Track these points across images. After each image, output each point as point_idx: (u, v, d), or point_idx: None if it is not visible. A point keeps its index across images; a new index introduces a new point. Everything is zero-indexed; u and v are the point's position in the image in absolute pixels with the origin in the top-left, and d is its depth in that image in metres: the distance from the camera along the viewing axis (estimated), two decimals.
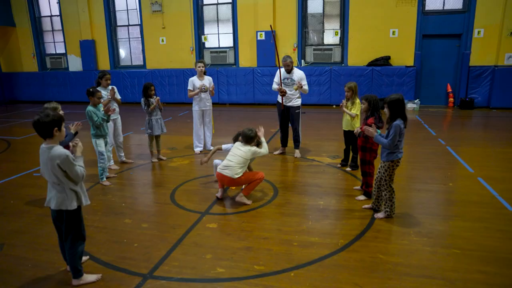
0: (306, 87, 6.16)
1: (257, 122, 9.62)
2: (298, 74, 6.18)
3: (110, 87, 5.97)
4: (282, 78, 6.20)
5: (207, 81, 6.71)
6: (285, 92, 6.15)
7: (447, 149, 6.59)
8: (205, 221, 4.08)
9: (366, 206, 4.24)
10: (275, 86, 6.32)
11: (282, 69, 6.25)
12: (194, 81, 6.70)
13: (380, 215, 3.98)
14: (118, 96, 6.06)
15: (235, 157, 4.51)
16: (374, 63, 11.31)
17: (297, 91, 6.21)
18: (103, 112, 5.19)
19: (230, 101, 13.15)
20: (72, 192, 2.83)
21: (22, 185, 5.41)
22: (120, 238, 3.76)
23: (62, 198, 2.83)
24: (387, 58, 11.24)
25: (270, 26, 6.31)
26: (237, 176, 4.43)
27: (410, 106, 10.87)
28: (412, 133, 8.07)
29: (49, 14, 14.95)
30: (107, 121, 5.27)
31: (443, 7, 11.08)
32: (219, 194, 4.68)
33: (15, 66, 15.58)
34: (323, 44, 12.26)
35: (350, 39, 11.65)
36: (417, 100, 10.98)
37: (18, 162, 6.64)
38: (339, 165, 5.84)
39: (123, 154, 6.34)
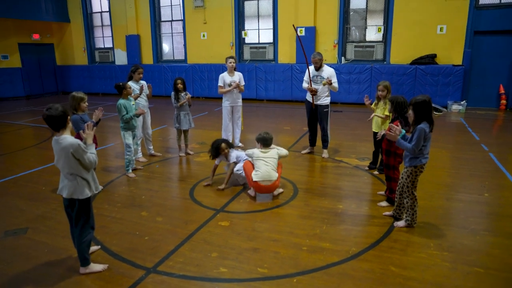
0: (336, 84, 5.92)
1: (292, 119, 9.48)
2: (327, 71, 5.95)
3: (141, 82, 6.11)
4: (311, 76, 6.01)
5: (237, 77, 6.68)
6: (316, 91, 5.95)
7: (489, 156, 6.05)
8: (218, 219, 4.06)
9: (387, 213, 4.00)
10: (304, 84, 6.15)
11: (312, 67, 6.06)
12: (225, 77, 6.69)
13: (400, 223, 3.73)
14: (147, 91, 6.18)
15: (269, 164, 4.50)
16: (418, 61, 10.67)
17: (326, 89, 5.99)
18: (134, 105, 5.33)
19: (267, 97, 13.07)
20: (84, 180, 2.93)
21: (55, 173, 5.71)
22: (133, 230, 3.84)
23: (74, 187, 2.93)
24: (433, 56, 10.56)
25: (293, 26, 6.14)
26: (276, 179, 4.48)
27: (455, 107, 10.15)
28: (452, 136, 7.54)
29: (100, 10, 15.72)
30: (136, 117, 5.40)
31: (500, 0, 10.17)
32: (254, 193, 4.65)
33: (68, 59, 16.59)
34: (364, 41, 11.78)
35: (394, 36, 11.08)
36: (464, 101, 10.22)
37: None
38: (366, 168, 5.57)
39: (152, 147, 6.50)
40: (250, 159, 4.78)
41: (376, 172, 5.36)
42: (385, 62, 11.47)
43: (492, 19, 10.19)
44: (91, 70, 15.88)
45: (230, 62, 6.54)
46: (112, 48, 15.69)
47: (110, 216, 4.20)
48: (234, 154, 4.99)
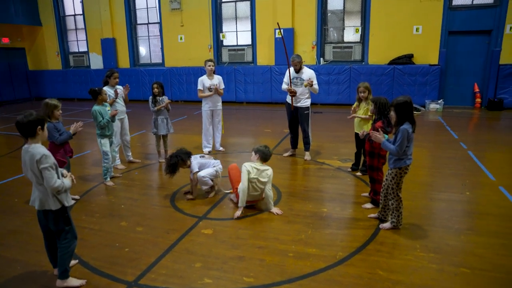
0: (316, 86, 5.90)
1: (273, 122, 9.43)
2: (307, 73, 5.93)
3: (117, 86, 5.92)
4: (291, 78, 5.97)
5: (217, 80, 6.57)
6: (295, 93, 5.91)
7: (468, 154, 6.16)
8: (201, 227, 3.94)
9: (372, 215, 3.98)
10: (284, 86, 6.10)
11: (292, 69, 6.02)
12: (204, 81, 6.57)
13: (386, 225, 3.71)
14: (122, 95, 5.99)
15: (259, 190, 4.16)
16: (396, 61, 10.83)
17: (307, 91, 5.96)
18: (109, 111, 5.15)
19: (247, 99, 13.00)
20: (52, 194, 2.75)
21: (29, 183, 5.44)
22: (112, 242, 3.68)
23: (45, 199, 2.77)
24: (410, 56, 10.74)
25: (278, 24, 6.09)
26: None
27: (433, 106, 10.35)
28: (431, 135, 7.65)
29: (73, 13, 15.27)
30: (112, 121, 5.22)
31: (472, 1, 10.46)
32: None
33: (41, 64, 16.04)
34: (343, 42, 11.87)
35: (371, 36, 11.22)
36: (441, 100, 10.44)
37: None
38: (349, 169, 5.57)
39: (130, 154, 6.31)
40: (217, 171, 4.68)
41: (358, 173, 5.36)
42: (363, 63, 11.59)
43: (465, 20, 10.47)
44: (66, 75, 15.40)
45: (209, 66, 6.43)
46: (87, 52, 15.26)
47: (88, 227, 4.01)
48: (195, 163, 4.69)
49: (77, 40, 15.54)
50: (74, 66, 15.68)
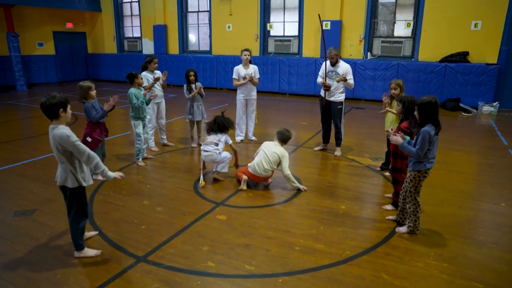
0: (351, 81, 5.73)
1: (311, 115, 9.31)
2: (343, 67, 5.76)
3: (157, 72, 6.16)
4: (326, 71, 5.84)
5: (252, 69, 6.61)
6: (329, 87, 5.79)
7: None
8: (217, 212, 4.05)
9: (390, 217, 3.84)
10: (319, 79, 5.99)
11: (328, 62, 5.89)
12: (239, 70, 6.64)
13: (402, 229, 3.57)
14: (161, 82, 6.22)
15: (265, 156, 4.56)
16: (448, 59, 10.15)
17: (341, 86, 5.80)
18: (143, 95, 5.40)
19: (290, 91, 12.90)
20: (72, 173, 2.96)
21: None
22: (132, 218, 3.90)
23: (65, 176, 2.99)
24: (465, 54, 10.00)
25: (319, 15, 5.95)
26: (264, 175, 4.58)
27: (486, 109, 9.60)
28: (477, 139, 7.13)
29: (130, 0, 16.01)
30: (147, 104, 5.46)
31: None
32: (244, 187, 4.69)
33: (99, 48, 17.07)
34: (392, 36, 11.33)
35: (424, 31, 10.57)
36: (496, 103, 9.64)
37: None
38: (378, 168, 5.38)
39: (165, 137, 6.57)
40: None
41: (387, 173, 5.16)
42: (413, 59, 11.00)
43: None
44: (120, 59, 16.26)
45: (245, 55, 6.47)
46: (140, 38, 15.98)
47: (114, 203, 4.28)
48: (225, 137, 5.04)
49: (132, 26, 16.31)
50: (128, 50, 16.51)
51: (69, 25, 16.11)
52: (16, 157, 5.99)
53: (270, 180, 4.81)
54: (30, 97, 12.71)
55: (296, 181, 4.60)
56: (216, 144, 4.89)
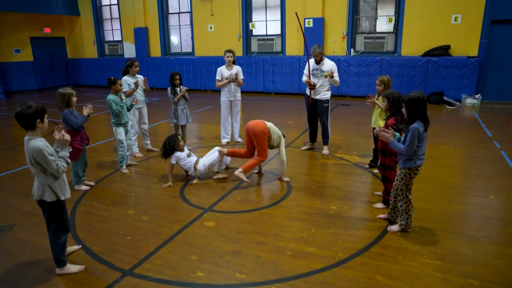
0: (337, 78, 5.68)
1: (298, 114, 9.25)
2: (328, 64, 5.71)
3: (139, 76, 6.00)
4: (311, 70, 5.78)
5: (235, 70, 6.50)
6: (314, 86, 5.73)
7: (501, 154, 5.71)
8: (204, 218, 3.93)
9: (382, 216, 3.78)
10: (304, 78, 5.93)
11: (312, 60, 5.82)
12: (222, 71, 6.53)
13: (394, 228, 3.52)
14: (143, 86, 6.07)
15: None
16: (431, 53, 10.23)
17: (327, 83, 5.75)
18: (124, 101, 5.23)
19: (275, 90, 12.83)
20: (49, 187, 2.81)
21: None
22: (117, 229, 3.75)
23: (42, 190, 2.84)
24: (447, 47, 10.10)
25: (296, 14, 5.88)
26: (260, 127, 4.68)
27: (469, 101, 9.70)
28: (462, 132, 7.18)
29: (109, 3, 15.69)
30: (129, 110, 5.31)
31: None
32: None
33: (79, 52, 16.69)
34: (375, 32, 11.37)
35: (405, 26, 10.64)
36: (479, 95, 9.75)
37: None
38: (367, 166, 5.34)
39: (149, 142, 6.41)
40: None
41: (376, 171, 5.12)
42: (396, 54, 11.06)
43: (511, 7, 9.64)
44: (101, 63, 15.93)
45: (228, 56, 6.37)
46: (121, 41, 15.68)
47: (97, 213, 4.12)
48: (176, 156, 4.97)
49: (112, 30, 15.99)
50: (109, 54, 16.19)
51: (47, 30, 15.69)
52: None
53: (246, 179, 4.76)
54: (8, 105, 12.31)
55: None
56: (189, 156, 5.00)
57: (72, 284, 2.92)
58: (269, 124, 4.81)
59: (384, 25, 11.22)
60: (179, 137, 4.96)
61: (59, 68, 16.59)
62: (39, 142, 2.69)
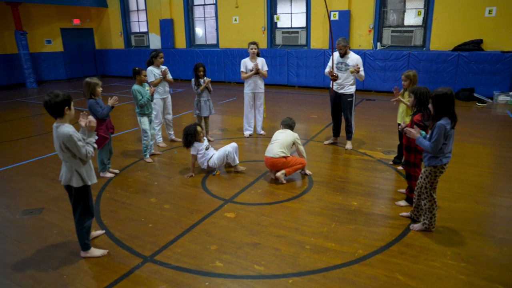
0: (362, 73, 5.56)
1: (321, 107, 9.15)
2: (353, 58, 5.59)
3: (162, 67, 6.07)
4: (335, 63, 5.69)
5: (260, 62, 6.48)
6: (337, 77, 5.63)
7: None
8: (225, 209, 3.96)
9: (404, 214, 3.71)
10: (326, 69, 5.84)
11: (336, 53, 5.72)
12: (247, 63, 6.52)
13: (416, 226, 3.44)
14: (169, 77, 6.15)
15: (274, 142, 4.70)
16: (461, 47, 9.84)
17: (352, 77, 5.64)
18: (148, 91, 5.32)
19: (299, 83, 12.72)
20: (76, 172, 2.90)
21: None
22: (139, 217, 3.84)
23: (70, 176, 2.93)
24: (479, 42, 9.68)
25: (325, 1, 5.76)
26: (277, 156, 4.56)
27: (502, 98, 9.30)
28: (493, 131, 6.89)
29: None
30: (151, 100, 5.39)
31: None
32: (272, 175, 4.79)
33: (106, 43, 17.05)
34: (403, 26, 11.03)
35: (435, 19, 10.26)
36: None
37: None
38: (390, 162, 5.23)
39: (172, 132, 6.50)
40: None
41: (400, 168, 5.01)
42: (424, 48, 10.71)
43: None
44: (127, 54, 16.22)
45: (252, 48, 6.34)
46: (147, 33, 15.90)
47: (120, 201, 4.23)
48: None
49: (138, 21, 16.23)
50: (135, 45, 16.46)
51: (76, 22, 16.10)
52: (26, 154, 5.99)
53: (283, 178, 4.66)
54: (40, 94, 12.76)
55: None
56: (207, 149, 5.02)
57: (96, 267, 3.02)
58: (279, 151, 4.60)
59: (412, 18, 10.86)
60: (199, 127, 4.92)
61: (87, 58, 17.03)
62: (68, 128, 2.78)
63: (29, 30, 14.21)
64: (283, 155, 4.59)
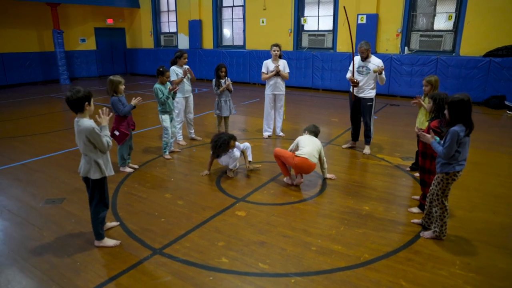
0: (383, 76, 5.49)
1: (343, 111, 9.07)
2: (375, 62, 5.53)
3: (185, 66, 6.22)
4: (356, 66, 5.65)
5: (282, 64, 6.52)
6: (357, 83, 5.59)
7: None
8: (236, 208, 4.03)
9: (416, 221, 3.64)
10: (348, 74, 5.80)
11: (357, 57, 5.68)
12: (268, 64, 6.58)
13: (427, 234, 3.38)
14: (190, 76, 6.29)
15: (309, 145, 4.50)
16: (493, 53, 9.49)
17: (372, 81, 5.57)
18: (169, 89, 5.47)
19: (323, 86, 12.64)
20: (95, 163, 3.06)
21: None
22: (153, 211, 3.97)
23: (88, 168, 3.09)
24: None
25: (344, 8, 5.73)
26: (313, 160, 4.42)
27: None
28: None
29: None
30: (172, 98, 5.54)
31: None
32: (291, 181, 4.69)
33: (136, 43, 17.59)
34: (432, 30, 10.75)
35: (466, 24, 9.95)
36: None
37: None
38: (408, 168, 5.14)
39: (193, 131, 6.65)
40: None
41: (417, 174, 4.90)
42: (453, 54, 10.39)
43: None
44: (157, 54, 16.66)
45: (274, 50, 6.40)
46: (176, 33, 16.28)
47: (137, 195, 4.38)
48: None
49: (168, 21, 16.64)
50: (164, 45, 16.89)
51: (110, 21, 16.70)
52: (56, 147, 6.30)
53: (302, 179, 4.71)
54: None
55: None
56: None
57: (107, 256, 3.16)
58: (313, 157, 4.49)
59: (442, 22, 10.57)
60: (232, 142, 4.84)
61: (118, 57, 17.62)
62: (90, 122, 2.96)
63: (65, 29, 14.89)
64: (316, 160, 4.50)
